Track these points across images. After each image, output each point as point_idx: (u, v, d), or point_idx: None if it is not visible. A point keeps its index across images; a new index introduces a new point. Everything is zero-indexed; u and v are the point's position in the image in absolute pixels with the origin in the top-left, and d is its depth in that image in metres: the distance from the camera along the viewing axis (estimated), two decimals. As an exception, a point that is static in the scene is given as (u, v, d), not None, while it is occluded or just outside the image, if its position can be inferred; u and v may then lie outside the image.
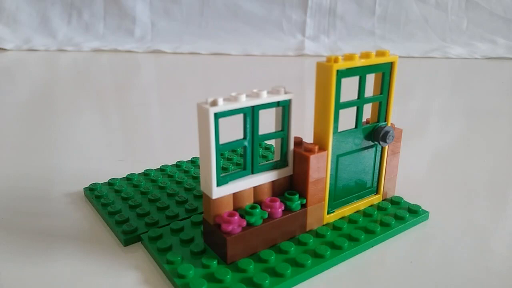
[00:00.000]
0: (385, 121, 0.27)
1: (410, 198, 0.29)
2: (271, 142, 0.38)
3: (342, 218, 0.27)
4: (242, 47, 1.04)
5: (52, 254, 0.24)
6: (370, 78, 0.26)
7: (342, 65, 0.23)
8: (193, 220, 0.26)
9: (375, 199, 0.28)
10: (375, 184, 0.28)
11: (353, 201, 0.27)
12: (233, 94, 0.21)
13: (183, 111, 0.55)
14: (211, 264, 0.22)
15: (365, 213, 0.27)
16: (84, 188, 0.31)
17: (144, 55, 1.00)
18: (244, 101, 0.21)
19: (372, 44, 1.08)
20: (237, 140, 0.22)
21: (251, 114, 0.22)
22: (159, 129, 0.50)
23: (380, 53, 0.25)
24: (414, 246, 0.25)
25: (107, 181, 0.32)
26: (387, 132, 0.26)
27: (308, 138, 0.26)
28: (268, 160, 0.33)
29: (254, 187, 0.23)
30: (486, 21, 1.13)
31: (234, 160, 0.35)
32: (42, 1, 1.12)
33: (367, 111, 0.27)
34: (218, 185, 0.22)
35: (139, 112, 0.56)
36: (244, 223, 0.22)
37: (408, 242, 0.26)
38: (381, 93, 0.26)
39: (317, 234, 0.25)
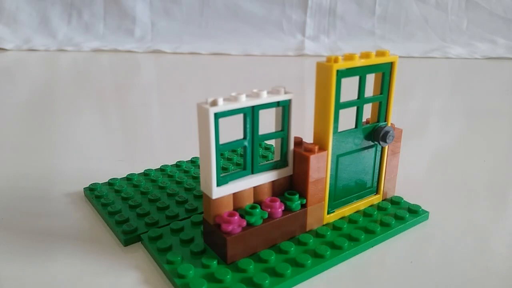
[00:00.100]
0: (385, 121, 0.27)
1: (410, 198, 0.29)
2: (271, 142, 0.38)
3: (342, 218, 0.27)
4: (242, 47, 1.04)
5: (52, 254, 0.24)
6: (370, 78, 0.26)
7: (342, 65, 0.23)
8: (193, 220, 0.26)
9: (375, 199, 0.28)
10: (375, 184, 0.28)
11: (353, 201, 0.27)
12: (233, 94, 0.21)
13: (183, 111, 0.55)
14: (211, 264, 0.22)
15: (365, 213, 0.27)
16: (84, 188, 0.31)
17: (144, 55, 1.00)
18: (244, 101, 0.21)
19: (372, 44, 1.08)
20: (237, 140, 0.22)
21: (251, 114, 0.22)
22: (159, 129, 0.50)
23: (380, 53, 0.25)
24: (414, 246, 0.25)
25: (107, 181, 0.32)
26: (387, 132, 0.26)
27: (308, 138, 0.26)
28: (268, 160, 0.33)
29: (254, 187, 0.23)
30: (486, 21, 1.13)
31: (234, 160, 0.35)
32: (42, 1, 1.12)
33: (367, 111, 0.27)
34: (218, 185, 0.22)
35: (139, 112, 0.56)
36: (244, 223, 0.22)
37: (408, 242, 0.26)
38: (381, 93, 0.26)
39: (317, 234, 0.25)
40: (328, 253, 0.23)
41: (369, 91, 0.26)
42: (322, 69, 0.23)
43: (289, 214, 0.24)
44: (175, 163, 0.35)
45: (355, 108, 0.25)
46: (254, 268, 0.22)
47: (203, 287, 0.20)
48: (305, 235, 0.24)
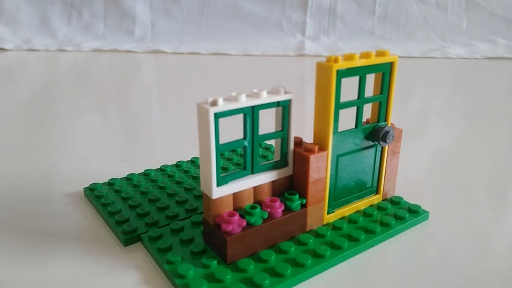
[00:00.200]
0: (385, 121, 0.27)
1: (410, 198, 0.29)
2: (271, 142, 0.38)
3: (342, 218, 0.27)
4: (242, 47, 1.04)
5: (52, 254, 0.24)
6: (370, 78, 0.26)
7: (342, 65, 0.23)
8: (193, 220, 0.26)
9: (375, 199, 0.28)
10: (375, 184, 0.28)
11: (353, 201, 0.27)
12: (233, 94, 0.21)
13: (183, 111, 0.55)
14: (211, 264, 0.22)
15: (365, 213, 0.27)
16: (84, 188, 0.31)
17: (144, 55, 1.00)
18: (244, 101, 0.21)
19: (372, 44, 1.08)
20: (237, 140, 0.22)
21: (251, 114, 0.22)
22: (159, 129, 0.50)
23: (380, 53, 0.25)
24: (414, 246, 0.25)
25: (107, 181, 0.32)
26: (387, 132, 0.26)
27: (308, 138, 0.26)
28: (268, 160, 0.33)
29: (254, 187, 0.23)
30: (486, 21, 1.13)
31: (234, 160, 0.35)
32: (42, 1, 1.12)
33: (367, 111, 0.27)
34: (218, 185, 0.22)
35: (139, 112, 0.56)
36: (244, 223, 0.22)
37: (408, 242, 0.26)
38: (381, 93, 0.26)
39: (317, 234, 0.25)
40: (328, 253, 0.23)
41: (369, 91, 0.26)
42: (322, 69, 0.23)
43: (289, 214, 0.24)
44: (175, 163, 0.35)
45: (355, 108, 0.25)
46: (254, 268, 0.22)
47: (203, 287, 0.20)
48: (305, 235, 0.24)
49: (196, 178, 0.32)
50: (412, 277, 0.23)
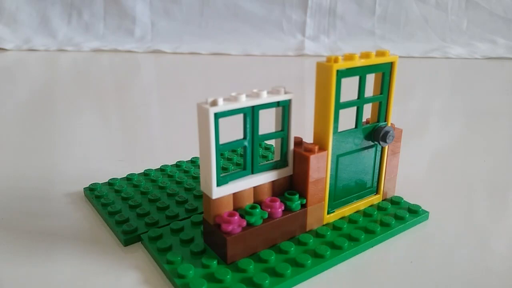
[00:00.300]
0: (385, 121, 0.27)
1: (410, 198, 0.29)
2: (271, 142, 0.38)
3: (342, 218, 0.27)
4: (242, 47, 1.04)
5: (52, 254, 0.24)
6: (370, 78, 0.26)
7: (342, 65, 0.23)
8: (193, 220, 0.26)
9: (375, 199, 0.28)
10: (375, 184, 0.28)
11: (353, 201, 0.27)
12: (233, 94, 0.21)
13: (183, 111, 0.55)
14: (211, 264, 0.22)
15: (365, 213, 0.27)
16: (84, 188, 0.31)
17: (144, 55, 1.00)
18: (244, 101, 0.21)
19: (372, 44, 1.08)
20: (237, 140, 0.22)
21: (251, 114, 0.22)
22: (159, 129, 0.50)
23: (380, 53, 0.25)
24: (414, 246, 0.25)
25: (107, 181, 0.32)
26: (387, 132, 0.26)
27: (308, 138, 0.26)
28: (268, 160, 0.33)
29: (254, 187, 0.23)
30: (486, 21, 1.13)
31: (234, 160, 0.35)
32: (42, 1, 1.12)
33: (367, 111, 0.27)
34: (218, 185, 0.22)
35: (139, 112, 0.56)
36: (244, 223, 0.22)
37: (408, 242, 0.26)
38: (381, 93, 0.26)
39: (317, 234, 0.25)
40: (328, 253, 0.23)
41: (369, 91, 0.26)
42: (322, 69, 0.23)
43: (289, 214, 0.24)
44: (175, 163, 0.35)
45: (355, 108, 0.25)
46: (254, 268, 0.22)
47: (203, 287, 0.20)
48: (305, 235, 0.24)
49: (196, 178, 0.32)
50: (412, 277, 0.23)
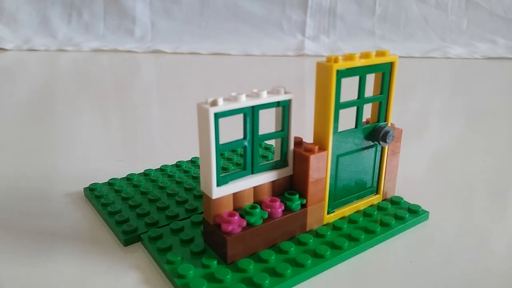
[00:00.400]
0: (385, 121, 0.27)
1: (410, 198, 0.29)
2: (271, 142, 0.38)
3: (342, 218, 0.27)
4: (242, 47, 1.04)
5: (52, 254, 0.24)
6: (370, 78, 0.26)
7: (342, 65, 0.23)
8: (193, 220, 0.26)
9: (375, 199, 0.28)
10: (375, 184, 0.28)
11: (353, 201, 0.27)
12: (233, 94, 0.21)
13: (183, 111, 0.55)
14: (211, 264, 0.22)
15: (365, 213, 0.27)
16: (84, 188, 0.31)
17: (144, 55, 1.00)
18: (244, 101, 0.21)
19: (372, 44, 1.08)
20: (237, 140, 0.22)
21: (251, 114, 0.22)
22: (159, 129, 0.50)
23: (380, 53, 0.25)
24: (414, 246, 0.25)
25: (107, 181, 0.32)
26: (387, 132, 0.26)
27: (308, 138, 0.26)
28: (268, 160, 0.33)
29: (254, 187, 0.23)
30: (486, 21, 1.13)
31: (234, 160, 0.35)
32: (42, 1, 1.12)
33: (367, 111, 0.27)
34: (218, 185, 0.22)
35: (139, 112, 0.56)
36: (244, 223, 0.22)
37: (408, 242, 0.26)
38: (381, 93, 0.26)
39: (317, 234, 0.25)
40: (328, 253, 0.23)
41: (369, 91, 0.26)
42: (322, 69, 0.23)
43: (289, 214, 0.24)
44: (175, 163, 0.35)
45: (355, 108, 0.25)
46: (254, 268, 0.22)
47: (203, 287, 0.20)
48: (305, 235, 0.24)
49: (196, 178, 0.32)
50: (412, 277, 0.23)
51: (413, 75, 0.82)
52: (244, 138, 0.22)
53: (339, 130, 0.25)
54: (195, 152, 0.30)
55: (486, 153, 0.41)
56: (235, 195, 0.23)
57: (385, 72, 0.26)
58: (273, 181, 0.24)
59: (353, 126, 0.26)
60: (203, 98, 0.21)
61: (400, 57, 0.27)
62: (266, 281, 0.21)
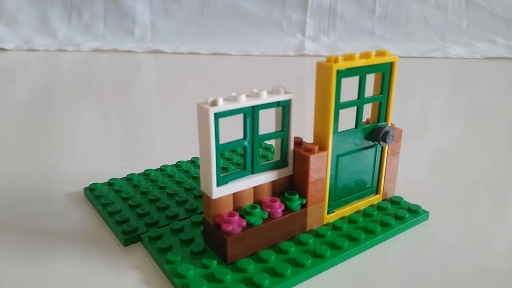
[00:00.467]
0: (385, 121, 0.27)
1: (410, 198, 0.29)
2: (271, 142, 0.38)
3: (342, 218, 0.27)
4: (242, 47, 1.04)
5: (52, 254, 0.24)
6: (370, 78, 0.26)
7: (342, 65, 0.23)
8: (193, 220, 0.26)
9: (375, 199, 0.28)
10: (375, 184, 0.28)
11: (353, 201, 0.27)
12: (233, 94, 0.21)
13: (183, 111, 0.55)
14: (211, 264, 0.22)
15: (365, 213, 0.27)
16: (84, 188, 0.31)
17: (144, 55, 1.00)
18: (244, 101, 0.21)
19: (372, 44, 1.08)
20: (237, 140, 0.22)
21: (251, 114, 0.22)
22: (159, 129, 0.50)
23: (380, 53, 0.25)
24: (414, 246, 0.25)
25: (107, 181, 0.32)
26: (387, 132, 0.26)
27: (308, 138, 0.26)
28: (268, 160, 0.33)
29: (254, 187, 0.23)
30: (486, 21, 1.13)
31: (234, 160, 0.35)
32: (42, 1, 1.12)
33: (367, 111, 0.27)
34: (218, 185, 0.22)
35: (139, 112, 0.56)
36: (244, 223, 0.22)
37: (408, 242, 0.26)
38: (381, 93, 0.26)
39: (317, 234, 0.25)
40: (328, 253, 0.23)
41: (369, 91, 0.26)
42: (322, 69, 0.23)
43: (289, 214, 0.24)
44: (175, 163, 0.35)
45: (355, 108, 0.25)
46: (254, 268, 0.22)
47: (203, 287, 0.20)
48: (305, 235, 0.24)
49: (196, 178, 0.32)
50: (412, 277, 0.23)
51: (413, 75, 0.82)
52: (244, 138, 0.22)
53: (339, 130, 0.25)
54: (195, 152, 0.30)
55: (486, 153, 0.41)
56: (235, 195, 0.23)
57: (385, 72, 0.26)
58: (273, 181, 0.24)
59: (353, 126, 0.26)
60: (203, 98, 0.21)
61: (400, 57, 0.27)
62: (266, 281, 0.21)
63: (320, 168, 0.24)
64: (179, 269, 0.21)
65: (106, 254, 0.24)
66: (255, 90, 0.22)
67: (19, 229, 0.27)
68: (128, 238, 0.25)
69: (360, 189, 0.28)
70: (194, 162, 0.35)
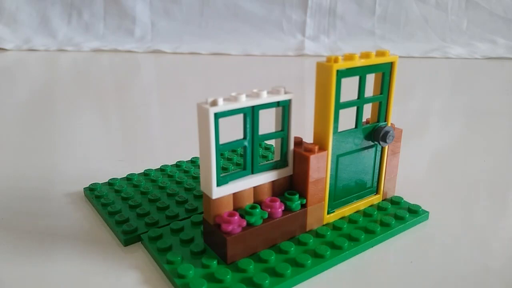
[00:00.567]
0: (385, 121, 0.27)
1: (410, 198, 0.29)
2: (271, 142, 0.38)
3: (342, 218, 0.27)
4: (242, 47, 1.04)
5: (52, 254, 0.24)
6: (370, 78, 0.26)
7: (342, 65, 0.23)
8: (193, 220, 0.26)
9: (375, 199, 0.28)
10: (375, 184, 0.28)
11: (353, 201, 0.27)
12: (233, 94, 0.21)
13: (183, 111, 0.55)
14: (211, 264, 0.22)
15: (365, 213, 0.27)
16: (84, 188, 0.31)
17: (144, 55, 1.00)
18: (244, 101, 0.21)
19: (372, 44, 1.08)
20: (237, 140, 0.22)
21: (251, 114, 0.22)
22: (159, 129, 0.50)
23: (380, 53, 0.25)
24: (414, 246, 0.25)
25: (107, 181, 0.32)
26: (387, 132, 0.26)
27: (308, 138, 0.26)
28: (268, 160, 0.33)
29: (254, 187, 0.23)
30: (486, 21, 1.13)
31: (234, 160, 0.35)
32: (42, 1, 1.12)
33: (367, 111, 0.27)
34: (218, 185, 0.22)
35: (139, 112, 0.56)
36: (244, 223, 0.22)
37: (408, 242, 0.26)
38: (381, 93, 0.26)
39: (317, 234, 0.25)
40: (328, 253, 0.23)
41: (369, 91, 0.26)
42: (322, 69, 0.23)
43: (289, 214, 0.24)
44: (175, 163, 0.35)
45: (355, 108, 0.25)
46: (254, 268, 0.22)
47: (203, 287, 0.20)
48: (305, 235, 0.24)
49: (196, 178, 0.32)
50: (412, 277, 0.23)
51: (413, 75, 0.82)
52: (244, 138, 0.22)
53: (339, 130, 0.25)
54: (195, 152, 0.30)
55: (486, 153, 0.41)
56: (235, 195, 0.23)
57: (385, 72, 0.26)
58: (273, 181, 0.24)
59: (353, 126, 0.26)
60: (203, 98, 0.21)
61: (400, 57, 0.27)
62: (266, 281, 0.21)
63: (320, 168, 0.24)
64: (179, 269, 0.21)
65: (106, 254, 0.24)
66: (255, 90, 0.22)
67: (19, 229, 0.27)
68: (128, 238, 0.25)
69: (360, 189, 0.28)
70: (194, 162, 0.35)
